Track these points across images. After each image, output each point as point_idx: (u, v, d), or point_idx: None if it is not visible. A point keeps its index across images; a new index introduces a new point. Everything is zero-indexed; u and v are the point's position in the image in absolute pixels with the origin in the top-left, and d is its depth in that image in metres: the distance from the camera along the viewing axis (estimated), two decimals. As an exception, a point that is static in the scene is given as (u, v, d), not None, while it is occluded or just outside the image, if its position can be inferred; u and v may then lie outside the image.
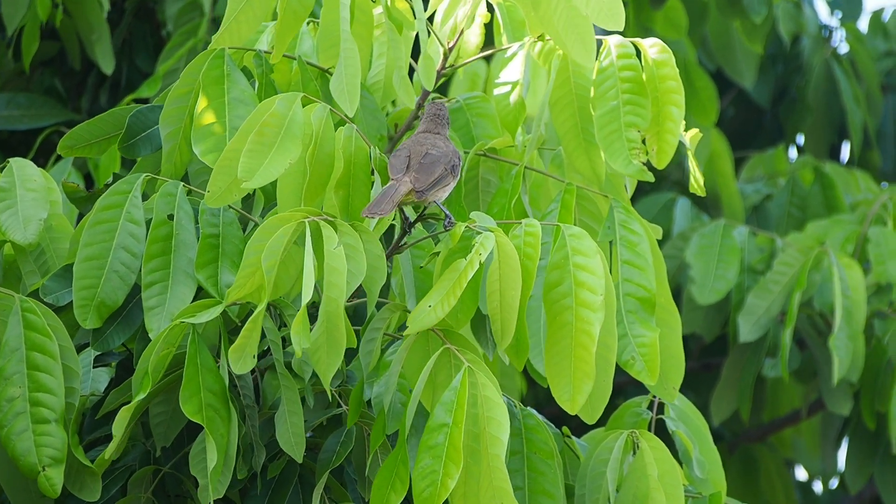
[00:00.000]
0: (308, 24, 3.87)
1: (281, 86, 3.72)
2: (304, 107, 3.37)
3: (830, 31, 7.48)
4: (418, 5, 3.63)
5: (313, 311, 3.29)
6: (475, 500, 3.20)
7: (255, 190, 3.53)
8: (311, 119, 3.37)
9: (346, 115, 3.45)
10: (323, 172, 3.38)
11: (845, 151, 7.66)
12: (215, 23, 5.66)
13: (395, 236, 3.50)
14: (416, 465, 3.17)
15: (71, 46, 5.69)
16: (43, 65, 5.90)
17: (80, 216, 3.86)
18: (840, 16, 7.63)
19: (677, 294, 6.30)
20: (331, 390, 3.41)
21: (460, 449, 3.15)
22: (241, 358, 3.22)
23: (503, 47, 3.80)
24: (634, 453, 3.54)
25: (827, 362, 6.05)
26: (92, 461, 3.39)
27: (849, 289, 5.83)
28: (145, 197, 3.51)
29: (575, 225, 3.53)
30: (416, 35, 3.72)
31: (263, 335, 3.29)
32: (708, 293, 6.17)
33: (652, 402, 3.82)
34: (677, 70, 3.57)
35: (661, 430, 3.73)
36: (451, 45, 3.74)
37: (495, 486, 3.18)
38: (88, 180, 5.52)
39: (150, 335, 3.37)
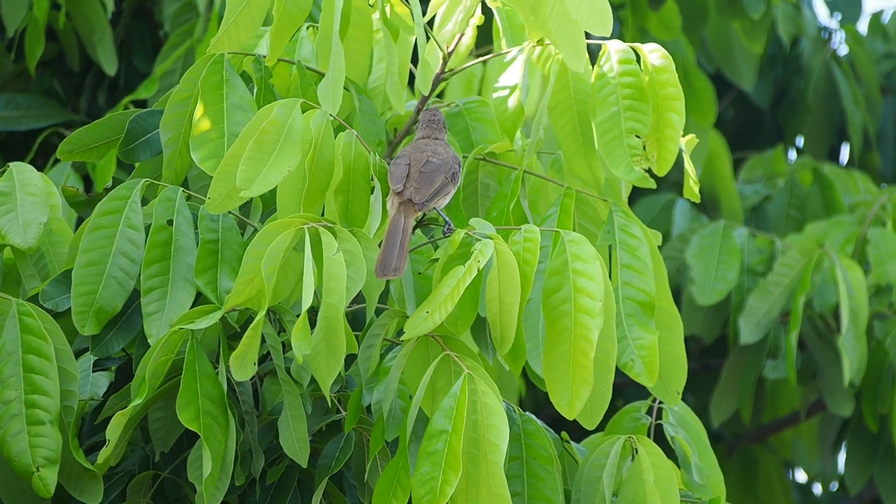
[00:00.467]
0: (308, 28, 3.86)
1: (280, 90, 3.71)
2: (303, 112, 3.36)
3: (830, 33, 7.47)
4: (416, 9, 3.62)
5: (312, 316, 3.29)
6: (474, 506, 3.20)
7: (254, 195, 3.52)
8: (311, 125, 3.36)
9: (343, 121, 3.44)
10: (322, 178, 3.38)
11: (845, 153, 7.65)
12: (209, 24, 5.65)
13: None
14: (416, 472, 3.17)
15: (70, 47, 5.69)
16: (42, 66, 5.89)
17: (80, 220, 3.85)
18: (839, 17, 7.61)
19: (677, 295, 6.30)
20: (330, 396, 3.41)
21: (459, 456, 3.15)
22: (242, 365, 3.22)
23: (503, 52, 3.79)
24: (633, 458, 3.54)
25: (828, 364, 6.04)
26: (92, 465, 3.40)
27: (852, 289, 5.83)
28: (145, 202, 3.51)
29: (574, 229, 3.53)
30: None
31: (263, 341, 3.28)
32: (708, 294, 6.17)
33: (651, 407, 3.81)
34: (677, 76, 3.57)
35: (659, 436, 3.73)
36: (449, 49, 3.74)
37: (494, 493, 3.18)
38: (87, 182, 5.51)
39: (149, 341, 3.37)
